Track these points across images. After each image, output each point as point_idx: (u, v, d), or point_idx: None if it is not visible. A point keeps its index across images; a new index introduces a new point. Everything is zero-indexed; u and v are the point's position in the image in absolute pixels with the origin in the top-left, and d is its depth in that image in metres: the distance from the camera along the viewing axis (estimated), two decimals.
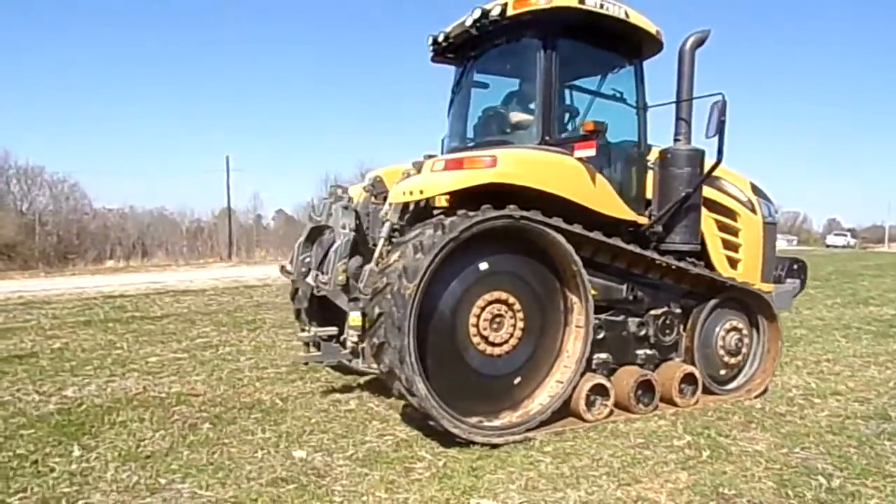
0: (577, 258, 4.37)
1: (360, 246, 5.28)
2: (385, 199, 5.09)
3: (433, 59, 5.98)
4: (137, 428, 4.34)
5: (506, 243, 4.26)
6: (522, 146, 4.76)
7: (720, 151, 4.80)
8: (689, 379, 4.94)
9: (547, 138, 4.75)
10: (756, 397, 5.24)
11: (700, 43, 5.21)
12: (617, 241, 4.58)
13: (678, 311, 5.10)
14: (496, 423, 4.26)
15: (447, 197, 4.51)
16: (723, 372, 5.27)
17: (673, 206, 4.98)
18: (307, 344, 4.98)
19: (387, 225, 4.67)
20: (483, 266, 4.20)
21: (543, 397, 4.43)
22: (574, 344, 4.53)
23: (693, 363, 5.05)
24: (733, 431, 4.44)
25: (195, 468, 3.69)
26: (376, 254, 4.61)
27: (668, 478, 3.63)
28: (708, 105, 4.84)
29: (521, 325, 4.32)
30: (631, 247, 4.65)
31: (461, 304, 4.14)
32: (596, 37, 4.97)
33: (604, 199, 4.68)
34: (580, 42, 4.95)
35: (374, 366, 4.75)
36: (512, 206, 4.16)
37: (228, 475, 3.59)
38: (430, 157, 6.21)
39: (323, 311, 5.66)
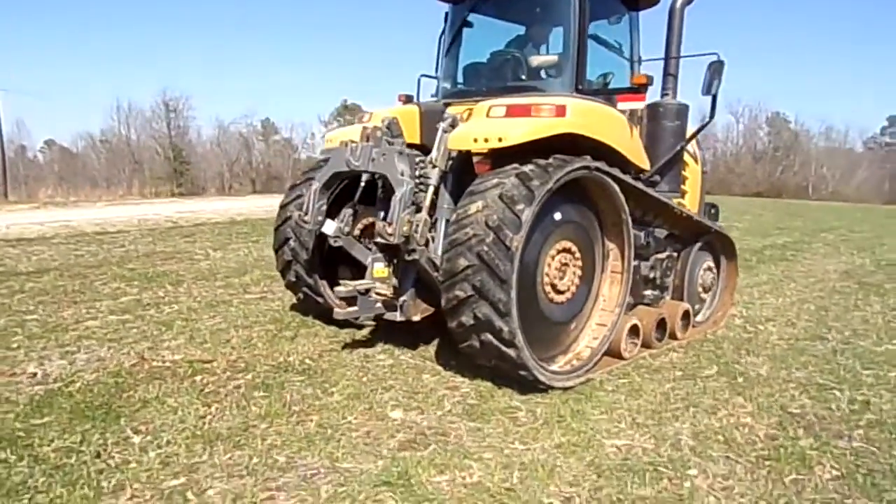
0: (626, 207, 4.58)
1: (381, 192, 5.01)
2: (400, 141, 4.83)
3: None
4: (179, 404, 3.78)
5: (572, 193, 4.33)
6: (556, 93, 4.76)
7: (713, 109, 5.26)
8: (685, 315, 5.50)
9: (580, 87, 4.82)
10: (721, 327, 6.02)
11: (688, 1, 5.54)
12: (650, 191, 4.87)
13: (675, 254, 5.61)
14: (555, 367, 4.41)
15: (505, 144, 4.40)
16: (698, 307, 5.94)
17: (670, 156, 5.38)
18: (343, 299, 4.64)
19: (435, 172, 4.47)
20: (557, 216, 4.24)
21: (590, 340, 4.67)
22: (610, 288, 4.80)
23: (682, 300, 5.63)
24: (735, 357, 5.09)
25: (297, 441, 3.37)
26: (427, 202, 4.41)
27: (733, 402, 4.11)
28: (697, 62, 5.24)
29: (578, 272, 4.47)
30: (657, 194, 4.98)
31: (540, 254, 4.17)
32: None
33: (636, 149, 4.92)
34: None
35: (417, 318, 4.64)
36: (587, 157, 4.23)
37: (346, 445, 3.34)
38: (409, 98, 5.99)
39: (325, 263, 5.31)
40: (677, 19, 5.44)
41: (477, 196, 4.06)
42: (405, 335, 5.13)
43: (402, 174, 4.33)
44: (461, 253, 3.94)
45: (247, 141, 65.42)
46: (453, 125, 4.58)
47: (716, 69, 4.99)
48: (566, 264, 4.36)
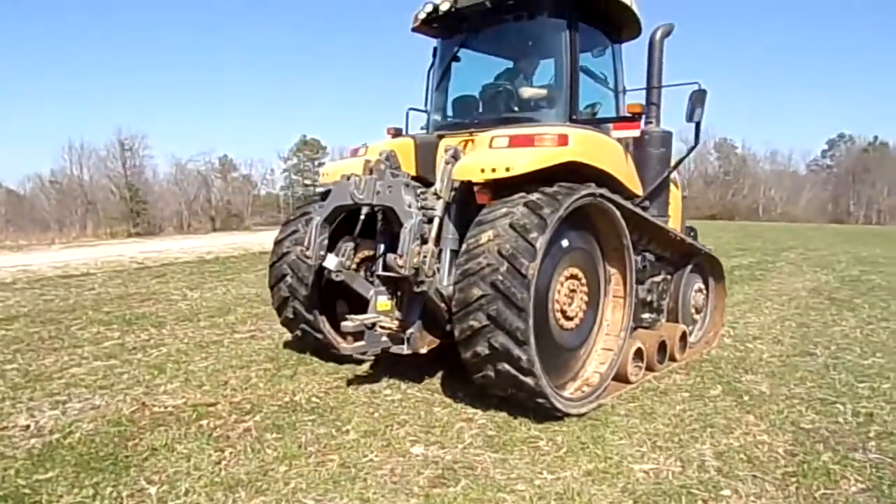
0: (627, 232, 4.66)
1: (384, 225, 4.99)
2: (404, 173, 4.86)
3: (416, 29, 5.74)
4: (189, 450, 3.63)
5: (576, 220, 4.39)
6: (551, 124, 4.85)
7: (697, 136, 5.42)
8: (683, 336, 5.59)
9: (574, 117, 4.93)
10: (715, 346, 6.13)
11: (668, 33, 5.75)
12: (647, 216, 4.97)
13: (668, 276, 5.72)
14: (567, 394, 4.40)
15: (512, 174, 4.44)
16: (691, 327, 6.04)
17: (659, 181, 5.52)
18: (350, 334, 4.55)
19: (440, 203, 4.48)
20: (565, 243, 4.28)
21: (598, 366, 4.69)
22: (613, 313, 4.84)
23: (678, 321, 5.73)
24: (735, 376, 5.17)
25: (322, 482, 3.27)
26: (433, 233, 4.40)
27: (745, 420, 4.17)
28: (679, 91, 5.42)
29: (585, 298, 4.51)
30: (654, 219, 5.08)
31: (551, 281, 4.19)
32: (600, 18, 5.23)
33: (631, 175, 5.03)
34: (589, 22, 5.16)
35: (423, 350, 4.59)
36: (591, 185, 4.30)
37: (374, 484, 3.25)
38: (398, 131, 6.03)
39: (323, 298, 5.24)
40: (657, 51, 5.63)
41: (486, 225, 4.07)
42: (408, 368, 5.07)
43: (410, 206, 4.32)
44: (474, 283, 3.94)
45: (205, 178, 64.61)
46: (455, 157, 4.61)
47: (697, 98, 5.13)
48: (574, 290, 4.39)
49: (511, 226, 3.94)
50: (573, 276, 4.37)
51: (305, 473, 3.37)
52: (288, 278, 5.26)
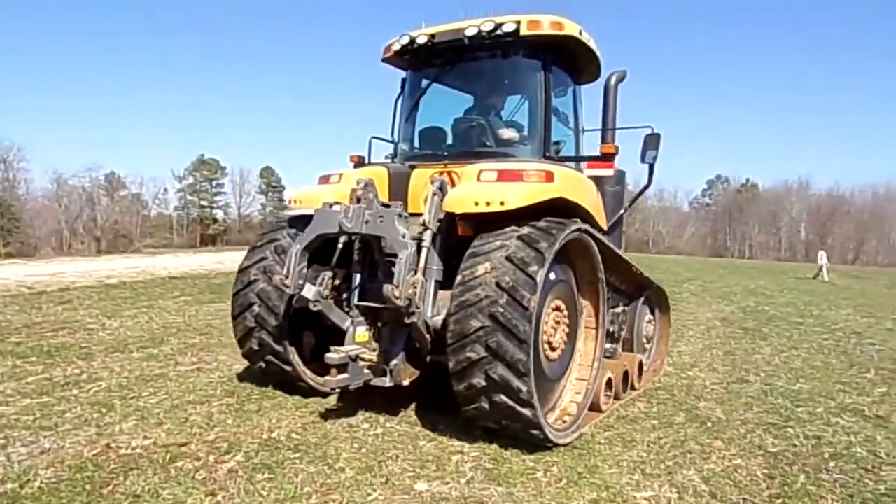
0: (601, 266, 4.86)
1: (360, 254, 4.91)
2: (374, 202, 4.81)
3: (387, 60, 5.78)
4: (176, 496, 3.36)
5: (560, 253, 4.51)
6: (526, 160, 5.01)
7: (650, 176, 5.77)
8: (640, 365, 5.86)
9: (548, 154, 5.13)
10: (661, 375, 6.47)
11: (622, 79, 6.12)
12: (617, 250, 5.21)
13: (625, 308, 5.99)
14: (550, 422, 4.48)
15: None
16: (643, 357, 6.34)
17: (616, 217, 5.83)
18: (335, 367, 4.39)
19: (428, 233, 4.49)
20: (552, 275, 4.40)
21: (573, 395, 4.81)
22: (585, 344, 5.01)
23: (633, 351, 6.00)
24: (692, 403, 5.48)
25: None
26: (422, 263, 4.38)
27: (716, 446, 4.42)
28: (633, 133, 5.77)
29: (566, 329, 4.64)
30: (620, 252, 5.33)
31: (540, 313, 4.28)
32: (567, 61, 5.49)
33: (601, 212, 5.27)
34: (557, 64, 5.40)
35: (406, 382, 4.54)
36: (577, 220, 4.46)
37: None
38: (360, 159, 6.01)
39: (293, 329, 5.05)
40: (612, 95, 5.94)
41: (481, 258, 4.12)
42: (377, 400, 4.96)
43: (404, 236, 4.28)
44: (472, 314, 3.95)
45: (90, 196, 60.27)
46: (442, 188, 4.64)
47: (651, 140, 5.45)
48: (558, 322, 4.51)
49: (508, 258, 4.01)
50: (557, 308, 4.49)
51: None
52: (255, 307, 5.02)
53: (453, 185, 4.79)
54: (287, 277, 4.47)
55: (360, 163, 6.21)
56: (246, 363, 6.23)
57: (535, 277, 3.89)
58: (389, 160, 6.12)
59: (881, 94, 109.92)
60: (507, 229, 4.25)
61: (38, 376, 5.74)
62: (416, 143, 5.80)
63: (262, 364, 5.18)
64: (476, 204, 4.24)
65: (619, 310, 5.77)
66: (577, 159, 5.35)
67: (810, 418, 5.20)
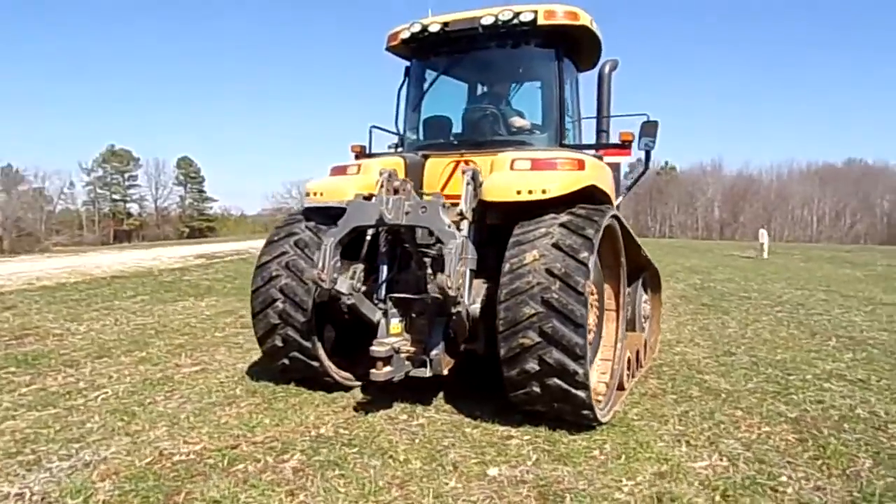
0: (623, 250, 5.04)
1: (391, 247, 4.89)
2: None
3: (392, 48, 5.74)
4: (255, 498, 3.29)
5: None
6: (541, 149, 5.12)
7: (647, 162, 6.01)
8: (645, 344, 6.12)
9: (563, 142, 5.26)
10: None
11: (615, 67, 6.32)
12: (634, 235, 5.39)
13: (630, 289, 6.22)
14: None
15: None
16: (645, 336, 6.62)
17: (617, 203, 6.04)
18: (380, 360, 4.35)
19: (465, 223, 4.52)
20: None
21: (600, 375, 4.98)
22: (608, 326, 5.19)
23: (635, 331, 6.26)
24: (699, 378, 5.79)
25: None
26: (457, 251, 4.38)
27: (738, 415, 4.71)
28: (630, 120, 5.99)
29: (596, 311, 4.79)
30: (636, 237, 5.53)
31: None
32: (574, 49, 5.61)
33: (614, 199, 5.45)
34: (570, 54, 5.53)
35: (445, 371, 4.58)
36: (609, 206, 4.61)
37: None
38: (362, 149, 5.97)
39: (319, 323, 4.97)
40: (606, 83, 6.13)
41: (527, 245, 4.19)
42: (402, 391, 4.91)
43: (449, 227, 4.28)
44: (523, 301, 4.03)
45: None
46: (474, 178, 4.67)
47: (647, 128, 5.67)
48: (592, 305, 4.65)
49: (555, 246, 4.11)
50: (591, 292, 4.63)
51: None
52: (279, 304, 4.90)
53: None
54: (323, 272, 4.39)
55: (361, 153, 6.15)
56: (250, 361, 6.15)
57: (587, 263, 4.01)
58: (394, 150, 6.09)
59: (786, 79, 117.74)
60: (546, 217, 4.34)
61: (30, 387, 5.37)
62: (424, 133, 5.78)
63: (286, 361, 5.06)
64: (518, 192, 4.31)
65: (627, 291, 5.99)
66: (596, 147, 5.49)
67: (804, 385, 5.61)
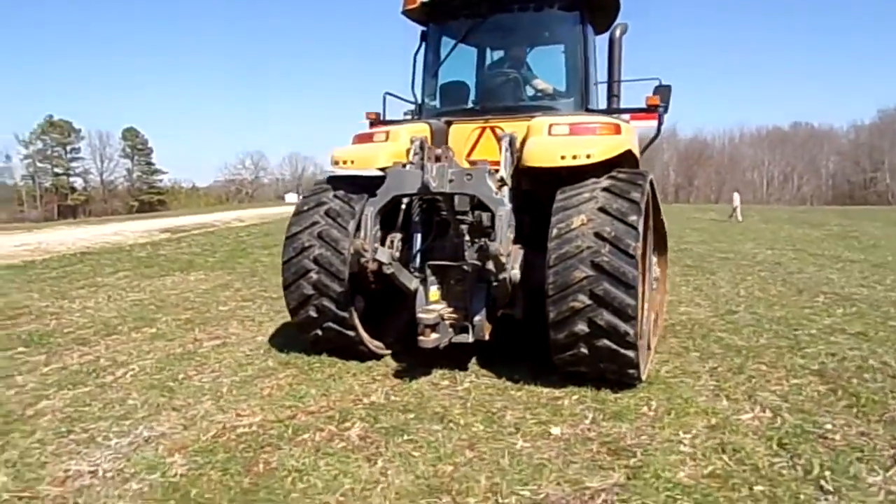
0: (652, 214, 5.14)
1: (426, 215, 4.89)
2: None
3: (408, 12, 5.63)
4: (334, 466, 3.31)
5: None
6: (569, 113, 5.15)
7: (659, 127, 6.10)
8: (661, 304, 6.30)
9: (589, 107, 5.30)
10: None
11: (625, 31, 6.34)
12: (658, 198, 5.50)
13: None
14: None
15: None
16: (660, 296, 6.80)
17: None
18: (428, 327, 4.36)
19: (505, 189, 4.53)
20: None
21: None
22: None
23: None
24: (716, 335, 6.01)
25: (529, 471, 3.24)
26: (507, 218, 4.39)
27: (762, 368, 4.92)
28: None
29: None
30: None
31: None
32: (596, 13, 5.60)
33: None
34: (591, 17, 5.52)
35: (486, 337, 4.64)
36: (646, 171, 4.69)
37: (572, 465, 3.31)
38: (377, 116, 5.90)
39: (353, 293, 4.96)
40: (617, 47, 6.17)
41: (572, 210, 4.25)
42: (439, 359, 4.92)
43: (496, 194, 4.29)
44: (573, 265, 4.10)
45: None
46: (512, 143, 4.67)
47: (661, 92, 5.77)
48: None
49: (602, 210, 4.17)
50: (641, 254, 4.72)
51: (497, 467, 3.29)
52: (312, 274, 4.85)
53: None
54: (366, 242, 4.35)
55: (377, 120, 6.06)
56: (268, 334, 6.12)
57: (636, 226, 4.09)
58: (412, 117, 6.02)
59: (737, 44, 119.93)
60: (588, 182, 4.40)
61: (50, 366, 5.22)
62: (444, 99, 5.72)
63: (318, 332, 5.03)
64: (563, 158, 4.34)
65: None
66: (622, 111, 5.54)
67: (813, 339, 5.88)
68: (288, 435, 3.69)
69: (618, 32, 6.03)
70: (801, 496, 2.97)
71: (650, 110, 5.34)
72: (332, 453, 3.45)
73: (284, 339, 5.78)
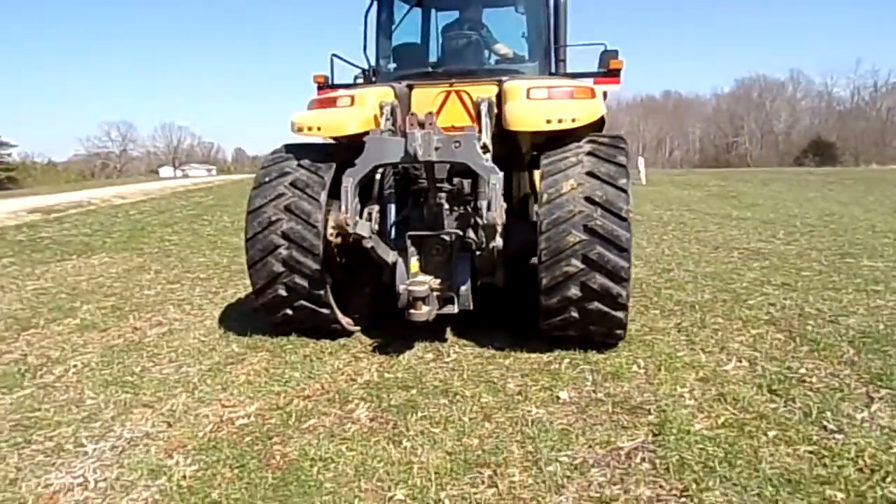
0: None
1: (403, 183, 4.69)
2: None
3: None
4: (361, 449, 3.13)
5: None
6: (532, 77, 5.10)
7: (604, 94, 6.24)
8: None
9: (552, 71, 5.28)
10: None
11: None
12: None
13: None
14: None
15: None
16: None
17: None
18: (419, 300, 4.19)
19: (488, 155, 4.42)
20: None
21: None
22: None
23: None
24: (665, 292, 6.29)
25: (556, 434, 3.22)
26: (500, 186, 4.26)
27: (720, 322, 5.22)
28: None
29: None
30: None
31: None
32: None
33: None
34: None
35: (471, 307, 4.58)
36: (621, 135, 4.74)
37: (598, 427, 3.33)
38: (325, 80, 5.60)
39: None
40: (563, 11, 6.19)
41: (559, 175, 4.23)
42: (414, 332, 4.82)
43: (486, 161, 4.15)
44: (565, 230, 4.09)
45: None
46: (490, 108, 4.55)
47: (609, 56, 5.85)
48: None
49: (590, 174, 4.18)
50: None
51: (524, 436, 3.25)
52: (282, 251, 4.52)
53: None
54: (349, 216, 4.08)
55: (325, 83, 5.71)
56: (215, 317, 5.72)
57: (626, 190, 4.13)
58: (364, 80, 5.72)
59: (612, 16, 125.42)
60: (571, 147, 4.39)
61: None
62: (400, 62, 5.48)
63: (288, 311, 4.72)
64: (548, 122, 4.28)
65: None
66: (586, 75, 5.53)
67: (749, 292, 6.28)
68: (292, 422, 3.45)
69: None
70: (813, 437, 3.16)
71: (613, 74, 5.39)
72: (349, 437, 3.25)
73: (240, 322, 5.39)
